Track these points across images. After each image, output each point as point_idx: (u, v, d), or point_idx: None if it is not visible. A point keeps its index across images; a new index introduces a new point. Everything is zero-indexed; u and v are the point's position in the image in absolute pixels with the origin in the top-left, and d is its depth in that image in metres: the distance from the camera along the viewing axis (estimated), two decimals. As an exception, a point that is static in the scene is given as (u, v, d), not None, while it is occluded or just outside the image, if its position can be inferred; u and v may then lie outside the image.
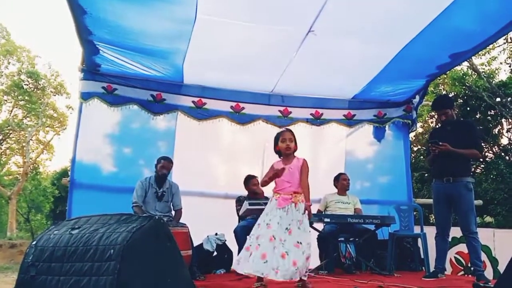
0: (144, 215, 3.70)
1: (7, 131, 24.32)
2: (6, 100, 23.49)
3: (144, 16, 4.63)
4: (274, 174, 3.86)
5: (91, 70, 5.94)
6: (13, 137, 25.26)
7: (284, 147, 3.91)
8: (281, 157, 4.00)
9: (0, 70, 22.62)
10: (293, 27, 4.92)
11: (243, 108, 6.63)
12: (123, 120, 6.26)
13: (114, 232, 2.85)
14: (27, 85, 22.87)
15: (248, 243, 3.76)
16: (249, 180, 5.84)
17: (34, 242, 3.10)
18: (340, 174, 6.17)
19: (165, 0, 4.24)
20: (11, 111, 23.91)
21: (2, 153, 25.85)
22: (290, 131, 4.05)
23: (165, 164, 5.36)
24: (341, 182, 6.05)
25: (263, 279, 3.72)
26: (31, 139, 23.73)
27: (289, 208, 3.75)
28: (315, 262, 5.41)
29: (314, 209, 5.74)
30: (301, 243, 3.64)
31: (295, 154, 4.01)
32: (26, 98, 22.90)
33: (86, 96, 5.98)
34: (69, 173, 6.16)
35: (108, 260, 2.69)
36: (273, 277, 3.50)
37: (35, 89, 23.08)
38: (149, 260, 2.85)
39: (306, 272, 3.66)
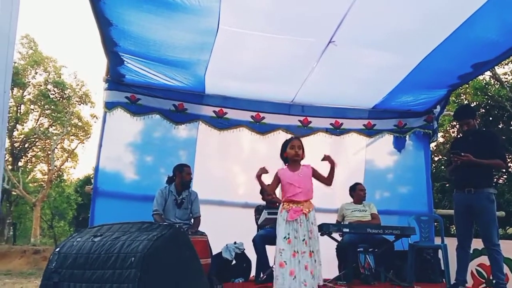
0: (165, 223, 3.77)
1: (33, 139, 24.90)
2: (32, 109, 24.06)
3: (168, 28, 4.72)
4: (259, 175, 3.97)
5: (115, 80, 6.06)
6: (39, 145, 25.85)
7: (293, 154, 3.97)
8: (287, 164, 4.06)
9: (27, 80, 23.17)
10: (314, 38, 4.95)
11: (263, 117, 6.68)
12: (145, 129, 6.35)
13: (135, 240, 2.90)
14: (53, 94, 23.41)
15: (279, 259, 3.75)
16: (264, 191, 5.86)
17: (57, 249, 3.16)
18: (356, 184, 6.09)
19: (189, 12, 4.31)
20: (38, 120, 24.48)
21: (28, 160, 26.44)
22: (299, 139, 4.16)
23: (189, 171, 5.48)
24: (357, 193, 5.98)
25: None
26: (56, 147, 24.20)
27: (301, 220, 3.79)
28: (334, 272, 5.41)
29: (332, 219, 5.76)
30: (312, 251, 3.75)
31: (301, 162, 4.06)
32: (52, 107, 23.42)
33: (110, 106, 6.09)
34: (92, 181, 6.27)
35: (129, 268, 2.74)
36: None
37: (61, 99, 23.60)
38: (169, 268, 2.89)
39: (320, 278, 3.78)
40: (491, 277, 4.99)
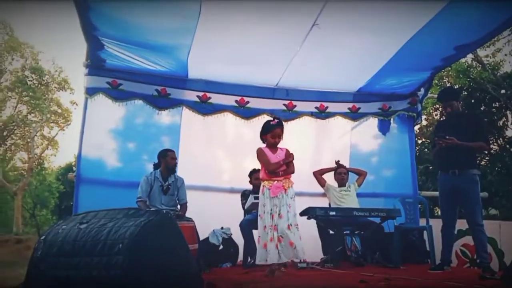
0: (152, 209, 3.73)
1: (11, 127, 24.42)
2: (10, 97, 23.56)
3: (149, 11, 4.62)
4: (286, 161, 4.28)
5: (96, 65, 5.92)
6: (17, 133, 25.36)
7: (272, 142, 4.36)
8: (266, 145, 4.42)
9: (4, 66, 22.66)
10: (297, 20, 4.91)
11: (247, 102, 6.61)
12: (127, 115, 6.24)
13: (122, 227, 2.86)
14: (31, 81, 22.93)
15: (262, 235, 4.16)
16: (253, 174, 5.85)
17: (43, 237, 3.10)
18: (337, 168, 6.23)
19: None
20: (16, 107, 23.99)
21: (7, 149, 25.96)
22: (282, 127, 4.41)
23: (174, 155, 5.44)
24: (336, 176, 6.17)
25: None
26: (35, 135, 23.80)
27: (281, 195, 4.16)
28: (318, 254, 5.45)
29: (318, 203, 5.80)
30: (291, 224, 4.10)
31: None
32: (31, 94, 22.97)
33: (91, 92, 5.96)
34: (74, 168, 6.19)
35: (116, 254, 2.71)
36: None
37: (39, 85, 23.14)
38: (157, 254, 2.87)
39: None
40: (475, 257, 5.08)
